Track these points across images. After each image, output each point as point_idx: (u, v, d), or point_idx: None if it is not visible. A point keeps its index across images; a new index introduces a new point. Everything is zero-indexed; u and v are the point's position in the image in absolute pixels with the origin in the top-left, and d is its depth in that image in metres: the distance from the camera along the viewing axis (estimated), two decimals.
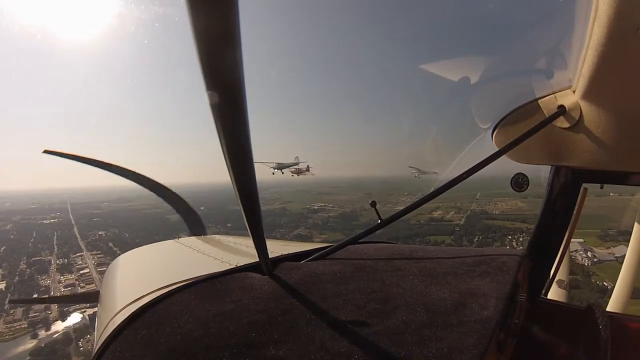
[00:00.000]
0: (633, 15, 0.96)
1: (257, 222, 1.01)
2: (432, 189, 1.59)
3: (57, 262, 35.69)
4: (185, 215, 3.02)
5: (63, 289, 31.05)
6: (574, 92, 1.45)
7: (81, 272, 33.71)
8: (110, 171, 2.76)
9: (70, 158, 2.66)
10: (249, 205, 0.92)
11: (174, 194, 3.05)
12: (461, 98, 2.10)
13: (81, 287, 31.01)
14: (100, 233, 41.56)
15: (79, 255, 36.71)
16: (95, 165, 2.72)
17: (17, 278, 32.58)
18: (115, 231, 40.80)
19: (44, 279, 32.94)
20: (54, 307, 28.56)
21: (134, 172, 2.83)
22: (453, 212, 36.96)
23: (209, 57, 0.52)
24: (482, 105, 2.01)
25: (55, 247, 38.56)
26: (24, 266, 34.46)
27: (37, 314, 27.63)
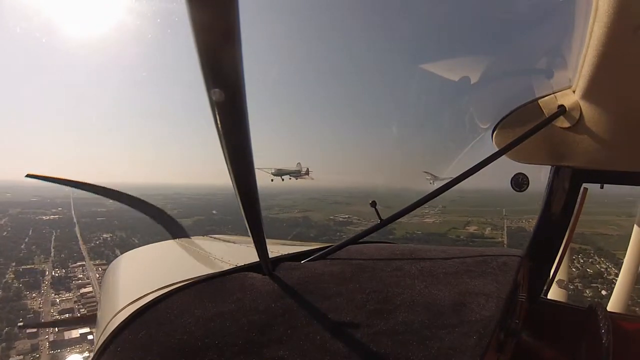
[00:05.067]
0: (633, 15, 0.96)
1: (257, 222, 1.01)
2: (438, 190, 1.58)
3: (53, 273, 27.19)
4: (163, 221, 2.93)
5: (57, 315, 22.72)
6: (574, 92, 1.45)
7: (82, 290, 25.13)
8: (93, 192, 2.67)
9: (53, 182, 2.61)
10: (249, 205, 0.92)
11: (147, 204, 2.95)
12: (461, 98, 2.10)
13: (80, 314, 22.65)
14: (105, 236, 34.48)
15: (80, 265, 28.30)
16: (79, 188, 2.64)
17: (0, 292, 24.36)
18: (122, 235, 34.14)
19: (34, 297, 24.34)
20: (43, 348, 20.04)
21: (114, 191, 2.75)
22: (489, 228, 35.02)
23: (209, 57, 0.52)
24: (482, 105, 2.01)
25: (52, 250, 30.50)
26: (12, 276, 26.14)
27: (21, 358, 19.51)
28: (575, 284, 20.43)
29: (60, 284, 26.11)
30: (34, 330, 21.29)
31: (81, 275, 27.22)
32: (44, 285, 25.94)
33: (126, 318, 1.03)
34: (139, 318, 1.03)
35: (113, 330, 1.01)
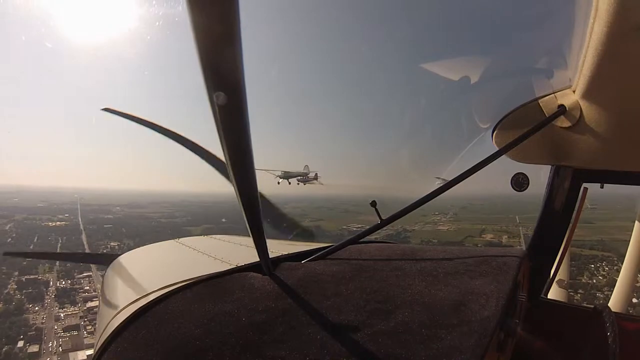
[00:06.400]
0: (633, 15, 0.96)
1: (257, 222, 1.01)
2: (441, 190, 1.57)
3: (58, 284, 25.01)
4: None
5: (62, 333, 20.76)
6: (574, 91, 1.45)
7: (88, 304, 22.53)
8: (169, 137, 2.50)
9: (128, 118, 2.45)
10: (250, 205, 0.93)
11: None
12: (461, 98, 2.10)
13: (87, 332, 20.57)
14: (112, 244, 31.67)
15: (86, 276, 25.70)
16: (154, 129, 2.50)
17: (0, 305, 22.43)
18: (130, 243, 29.66)
19: (37, 311, 22.24)
20: None
21: (198, 146, 2.59)
22: (506, 235, 33.97)
23: (210, 58, 0.52)
24: (482, 105, 2.01)
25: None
26: (14, 287, 24.11)
27: None
28: (605, 293, 20.01)
29: (65, 297, 24.06)
30: (36, 349, 19.39)
31: (87, 287, 24.99)
32: (47, 297, 23.95)
33: (127, 318, 1.04)
34: (140, 318, 1.04)
35: (114, 330, 1.01)
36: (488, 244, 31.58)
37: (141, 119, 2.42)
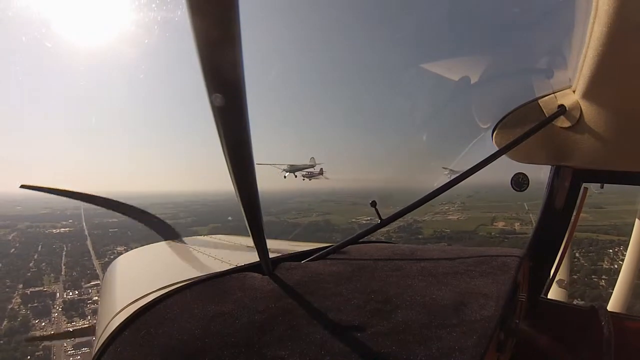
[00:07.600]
0: (633, 15, 0.96)
1: (257, 222, 1.01)
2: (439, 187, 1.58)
3: (65, 295, 23.38)
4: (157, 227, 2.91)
5: (73, 351, 19.08)
6: (574, 91, 1.45)
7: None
8: (92, 203, 2.66)
9: (48, 192, 2.55)
10: (250, 205, 0.93)
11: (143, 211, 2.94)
12: (461, 98, 2.10)
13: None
14: (118, 249, 27.75)
15: (94, 285, 24.02)
16: (75, 198, 2.65)
17: (5, 322, 20.65)
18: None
19: (44, 327, 20.72)
20: None
21: (117, 202, 2.75)
22: (518, 223, 33.15)
23: (210, 59, 0.53)
24: (482, 105, 2.01)
25: (63, 268, 26.84)
26: (18, 301, 22.57)
27: None
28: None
29: (73, 309, 22.50)
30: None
31: (96, 297, 22.65)
32: (54, 311, 22.38)
33: (126, 318, 1.04)
34: (140, 318, 1.03)
35: (113, 330, 1.01)
36: (501, 232, 31.33)
37: (59, 190, 2.57)
